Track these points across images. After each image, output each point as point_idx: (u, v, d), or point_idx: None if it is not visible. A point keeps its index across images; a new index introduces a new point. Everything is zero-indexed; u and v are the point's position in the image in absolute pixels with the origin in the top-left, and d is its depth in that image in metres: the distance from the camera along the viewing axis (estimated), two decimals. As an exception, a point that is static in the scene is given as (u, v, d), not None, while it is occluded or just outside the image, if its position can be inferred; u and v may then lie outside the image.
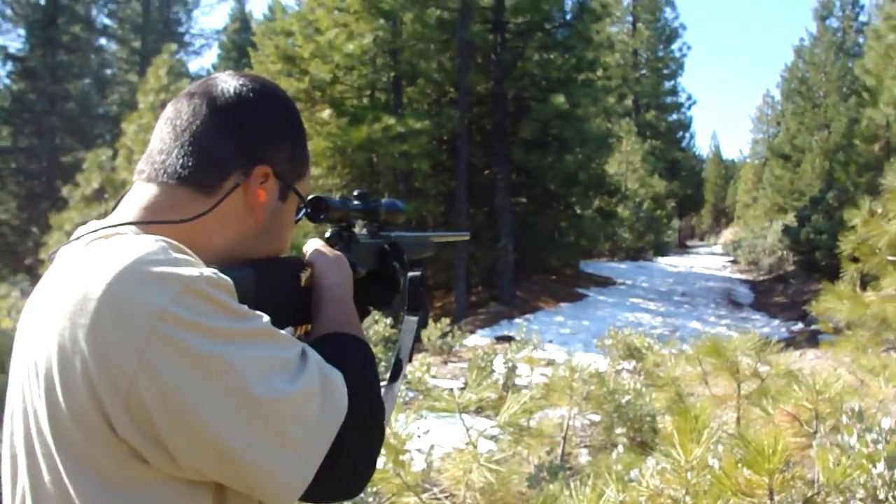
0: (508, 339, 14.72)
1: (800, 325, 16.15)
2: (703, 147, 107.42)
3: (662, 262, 34.20)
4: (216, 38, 45.23)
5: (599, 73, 23.51)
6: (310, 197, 1.52)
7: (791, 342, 12.86)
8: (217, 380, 1.05)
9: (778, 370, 6.10)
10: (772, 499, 3.19)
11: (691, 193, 51.10)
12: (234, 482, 1.11)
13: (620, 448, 6.43)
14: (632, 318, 18.39)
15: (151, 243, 1.10)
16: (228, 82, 1.34)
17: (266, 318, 1.15)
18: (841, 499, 3.23)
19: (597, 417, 8.25)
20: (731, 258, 37.01)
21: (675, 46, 48.68)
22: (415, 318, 1.67)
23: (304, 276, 1.44)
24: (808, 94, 41.78)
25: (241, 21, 49.08)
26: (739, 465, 3.28)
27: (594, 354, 12.20)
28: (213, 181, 1.28)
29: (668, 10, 48.54)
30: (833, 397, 5.12)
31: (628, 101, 41.21)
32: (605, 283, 24.96)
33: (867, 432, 3.43)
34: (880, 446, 3.28)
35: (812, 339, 14.13)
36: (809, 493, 3.22)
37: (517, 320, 16.73)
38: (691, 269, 32.00)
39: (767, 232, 30.93)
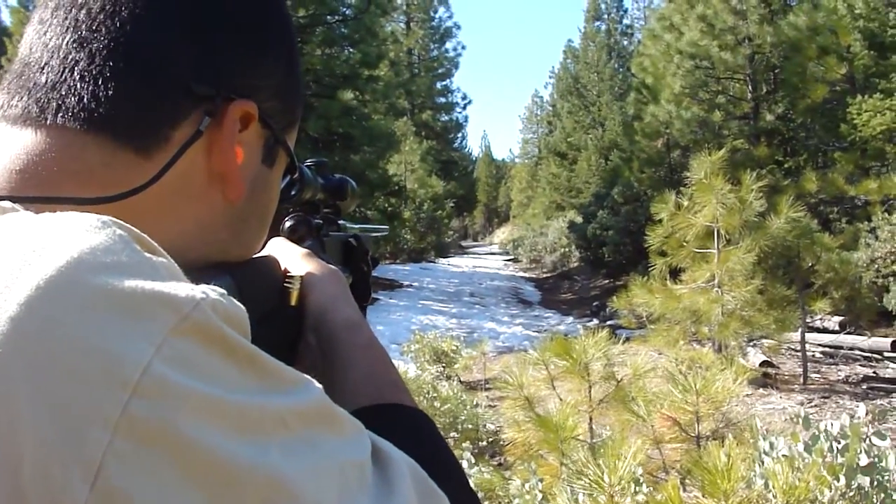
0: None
1: (594, 322, 16.28)
2: (474, 147, 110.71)
3: (444, 262, 34.39)
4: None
5: (385, 70, 23.19)
6: None
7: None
8: None
9: (636, 370, 5.78)
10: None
11: (464, 194, 52.23)
12: None
13: (465, 463, 5.96)
14: (426, 320, 18.02)
15: (97, 229, 0.49)
16: None
17: (314, 381, 0.56)
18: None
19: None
20: (511, 257, 37.75)
21: (449, 46, 49.41)
22: None
23: (292, 291, 0.87)
24: (583, 94, 43.45)
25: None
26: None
27: (397, 360, 11.75)
28: (154, 126, 0.64)
29: (441, 9, 49.17)
30: (713, 397, 4.83)
31: (404, 102, 41.51)
32: (391, 286, 24.61)
33: (815, 441, 3.02)
34: (838, 458, 2.87)
35: (610, 336, 14.20)
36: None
37: (310, 328, 16.01)
38: (475, 269, 32.29)
39: (548, 230, 31.60)
